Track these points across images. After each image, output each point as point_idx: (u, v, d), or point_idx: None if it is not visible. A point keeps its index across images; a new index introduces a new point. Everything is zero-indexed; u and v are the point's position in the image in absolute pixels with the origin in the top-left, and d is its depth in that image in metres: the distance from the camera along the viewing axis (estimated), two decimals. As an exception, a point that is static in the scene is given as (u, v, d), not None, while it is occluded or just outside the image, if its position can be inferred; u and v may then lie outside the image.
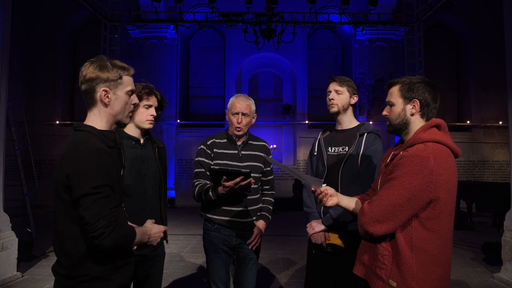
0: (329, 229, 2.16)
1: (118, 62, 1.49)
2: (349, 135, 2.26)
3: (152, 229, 1.62)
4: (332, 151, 2.29)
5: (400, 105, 1.64)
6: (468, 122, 11.38)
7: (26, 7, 10.83)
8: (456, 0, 7.76)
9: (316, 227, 2.19)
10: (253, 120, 2.47)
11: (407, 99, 1.62)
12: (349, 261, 2.06)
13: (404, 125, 1.64)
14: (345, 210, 2.05)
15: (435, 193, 1.47)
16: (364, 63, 11.01)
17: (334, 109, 2.28)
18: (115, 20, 9.50)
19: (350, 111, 2.31)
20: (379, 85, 10.90)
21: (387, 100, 1.71)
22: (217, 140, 2.47)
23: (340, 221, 2.12)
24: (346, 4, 8.75)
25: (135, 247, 1.59)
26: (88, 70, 1.44)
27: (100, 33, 9.31)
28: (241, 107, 2.38)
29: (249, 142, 2.49)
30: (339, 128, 2.35)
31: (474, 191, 7.46)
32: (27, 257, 4.90)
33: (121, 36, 9.76)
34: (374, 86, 10.88)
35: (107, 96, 1.46)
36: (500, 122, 10.91)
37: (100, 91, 1.45)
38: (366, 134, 2.21)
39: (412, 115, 1.62)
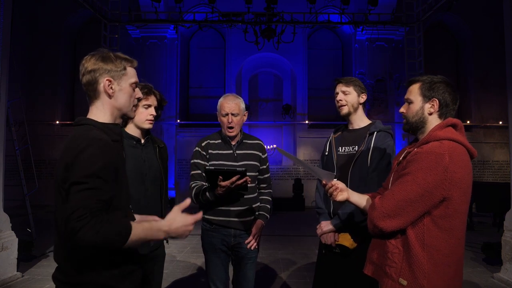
0: (338, 230, 2.16)
1: (121, 54, 1.43)
2: (359, 134, 2.25)
3: (173, 223, 1.34)
4: (342, 150, 2.28)
5: (419, 103, 1.62)
6: (468, 122, 11.37)
7: (26, 7, 10.82)
8: (456, 0, 7.76)
9: (324, 227, 2.20)
10: (244, 118, 2.45)
11: (427, 97, 1.60)
12: (355, 263, 2.05)
13: (421, 124, 1.62)
14: (354, 212, 2.04)
15: (449, 191, 1.44)
16: (364, 63, 11.01)
17: (345, 111, 2.27)
18: (115, 20, 9.49)
19: (360, 110, 2.30)
20: (379, 85, 10.91)
21: (406, 97, 1.68)
22: (211, 141, 2.45)
23: (349, 222, 2.11)
24: (346, 4, 8.74)
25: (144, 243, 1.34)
26: (90, 62, 1.38)
27: (100, 33, 9.31)
28: (229, 108, 2.35)
29: (244, 141, 2.47)
30: (350, 128, 2.34)
31: (474, 191, 7.36)
32: (27, 257, 4.90)
33: (121, 36, 9.75)
34: (374, 86, 10.88)
35: (111, 87, 1.38)
36: (500, 122, 10.91)
37: (103, 81, 1.37)
38: (376, 132, 2.18)
39: (430, 114, 1.60)
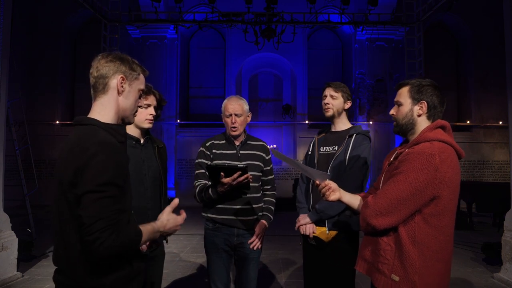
0: (315, 223, 2.28)
1: (136, 61, 1.47)
2: (340, 136, 2.40)
3: (167, 224, 1.49)
4: (324, 150, 2.43)
5: (408, 106, 1.69)
6: (468, 122, 11.37)
7: (26, 7, 10.82)
8: (456, 0, 7.76)
9: (302, 220, 2.33)
10: (248, 119, 2.52)
11: (416, 100, 1.68)
12: (331, 255, 2.23)
13: (410, 125, 1.69)
14: (330, 206, 2.17)
15: (439, 190, 1.50)
16: (364, 63, 11.01)
17: (329, 113, 2.43)
18: (115, 20, 9.49)
19: (344, 115, 2.47)
20: (379, 85, 10.91)
21: (395, 100, 1.76)
22: (215, 142, 2.51)
23: (325, 216, 2.23)
24: (346, 4, 8.74)
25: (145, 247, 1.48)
26: (108, 58, 1.39)
27: (100, 33, 9.30)
28: (233, 109, 2.43)
29: (248, 142, 2.53)
30: (333, 130, 2.49)
31: (474, 191, 7.46)
32: (27, 257, 4.90)
33: (121, 36, 9.75)
34: (374, 86, 10.88)
35: (123, 85, 1.39)
36: (500, 122, 10.90)
37: (117, 78, 1.38)
38: (355, 135, 2.33)
39: (419, 116, 1.67)
